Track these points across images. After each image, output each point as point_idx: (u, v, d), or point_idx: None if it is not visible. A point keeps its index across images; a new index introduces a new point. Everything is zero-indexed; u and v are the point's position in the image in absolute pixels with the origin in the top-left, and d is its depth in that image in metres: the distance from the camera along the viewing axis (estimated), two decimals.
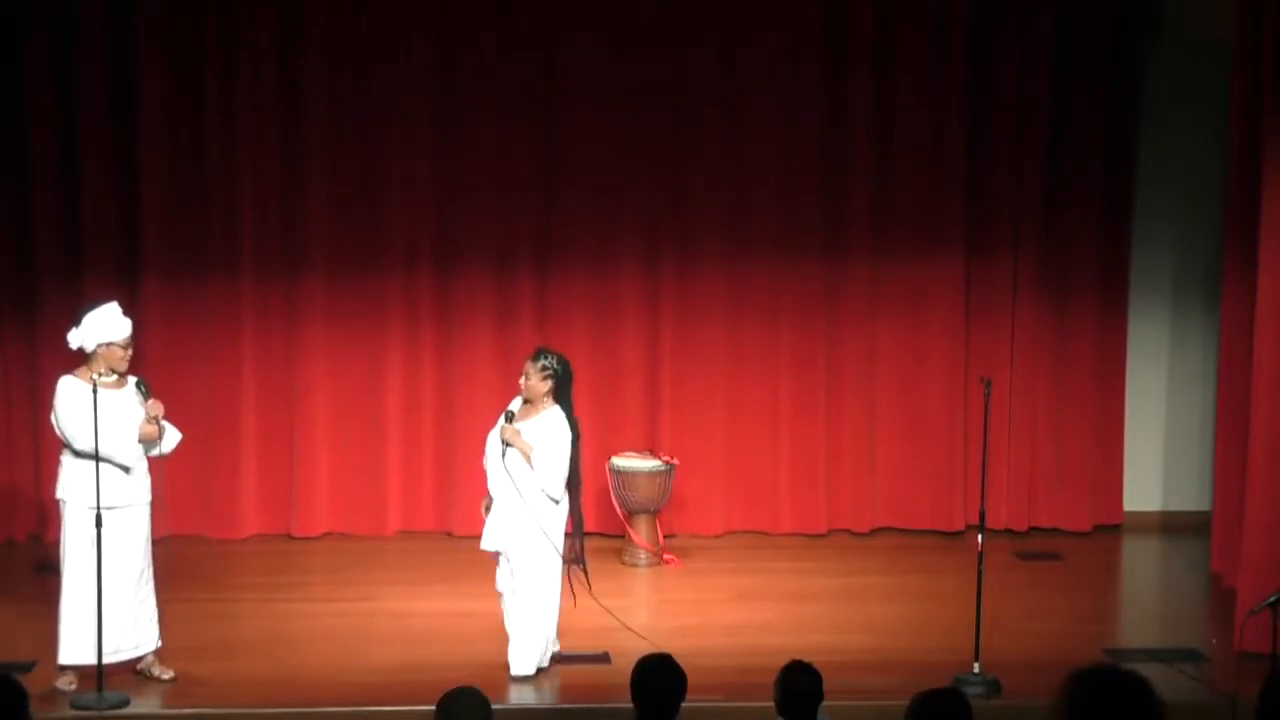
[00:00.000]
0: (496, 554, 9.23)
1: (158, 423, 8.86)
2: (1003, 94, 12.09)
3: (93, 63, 11.59)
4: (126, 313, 8.74)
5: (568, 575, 9.17)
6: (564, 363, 9.12)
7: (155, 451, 8.95)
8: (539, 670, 9.15)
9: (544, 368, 9.05)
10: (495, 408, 11.95)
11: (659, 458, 11.62)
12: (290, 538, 12.05)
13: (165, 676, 8.99)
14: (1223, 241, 11.10)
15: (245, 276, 11.85)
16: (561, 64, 11.93)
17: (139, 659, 8.99)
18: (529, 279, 12.05)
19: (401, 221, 11.96)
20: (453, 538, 12.05)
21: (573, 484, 9.13)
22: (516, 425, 9.04)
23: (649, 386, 12.11)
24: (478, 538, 11.96)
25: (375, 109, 11.86)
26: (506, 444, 9.03)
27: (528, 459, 8.97)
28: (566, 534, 9.17)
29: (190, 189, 11.79)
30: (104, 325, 8.81)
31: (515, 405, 9.16)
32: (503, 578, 9.24)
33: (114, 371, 8.83)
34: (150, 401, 8.87)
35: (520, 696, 8.97)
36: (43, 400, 11.68)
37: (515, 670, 9.09)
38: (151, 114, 11.66)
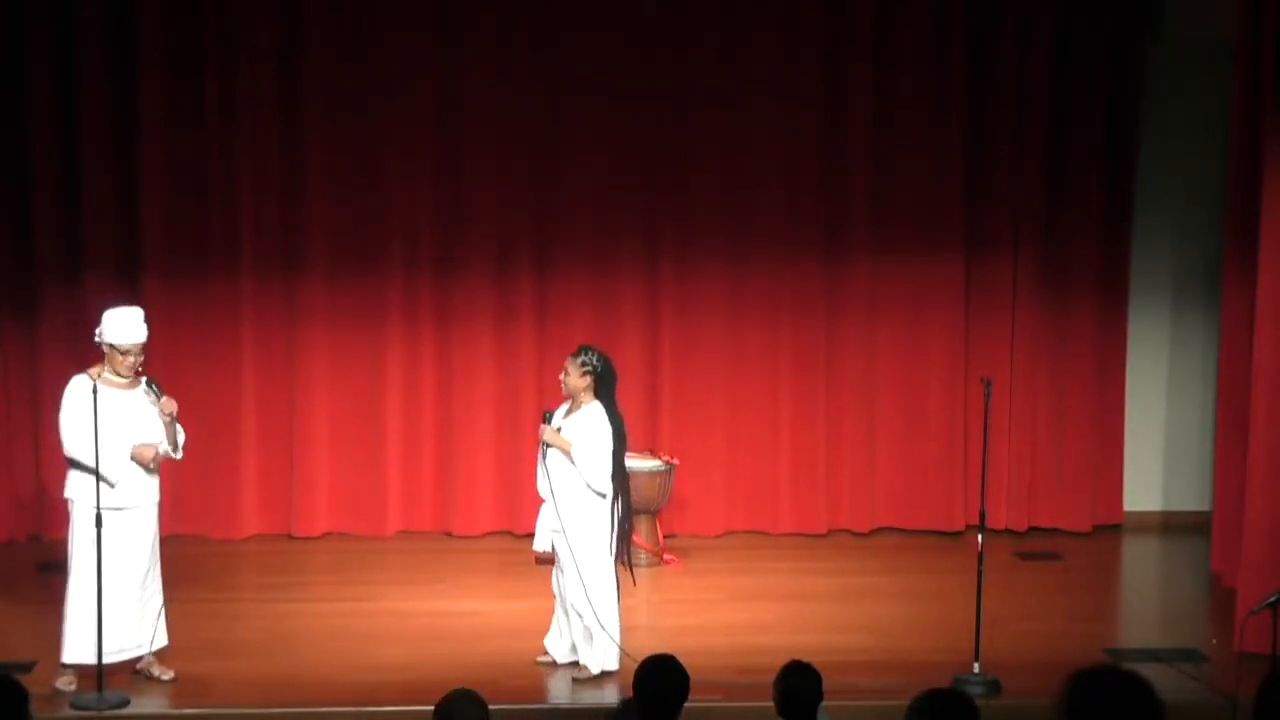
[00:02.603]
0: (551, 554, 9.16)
1: (174, 422, 8.84)
2: (1003, 94, 12.10)
3: (93, 63, 11.60)
4: None
5: (618, 568, 9.11)
6: (605, 360, 9.06)
7: (172, 454, 8.95)
8: (604, 672, 9.07)
9: (583, 364, 9.00)
10: (496, 408, 12.04)
11: (659, 458, 11.61)
12: (290, 538, 12.05)
13: (165, 677, 8.99)
14: (1223, 241, 11.10)
15: (245, 276, 11.85)
16: (561, 64, 11.93)
17: (139, 659, 8.98)
18: (529, 279, 12.05)
19: (401, 221, 11.97)
20: (452, 538, 12.06)
21: (618, 480, 9.05)
22: (558, 424, 9.01)
23: (649, 386, 12.11)
24: (477, 538, 12.06)
25: (375, 109, 11.87)
26: (547, 445, 8.99)
27: (569, 456, 8.94)
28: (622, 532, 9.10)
29: (190, 189, 11.79)
30: (114, 328, 8.80)
31: (561, 409, 9.13)
32: (556, 578, 9.21)
33: (119, 376, 8.81)
34: (163, 400, 8.84)
35: (537, 695, 8.98)
36: (43, 400, 11.71)
37: (585, 663, 9.04)
38: (151, 114, 11.67)
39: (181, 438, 8.98)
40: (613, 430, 8.97)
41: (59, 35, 11.59)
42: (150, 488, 8.89)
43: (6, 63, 11.60)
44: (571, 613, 9.07)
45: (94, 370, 8.82)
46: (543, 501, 9.10)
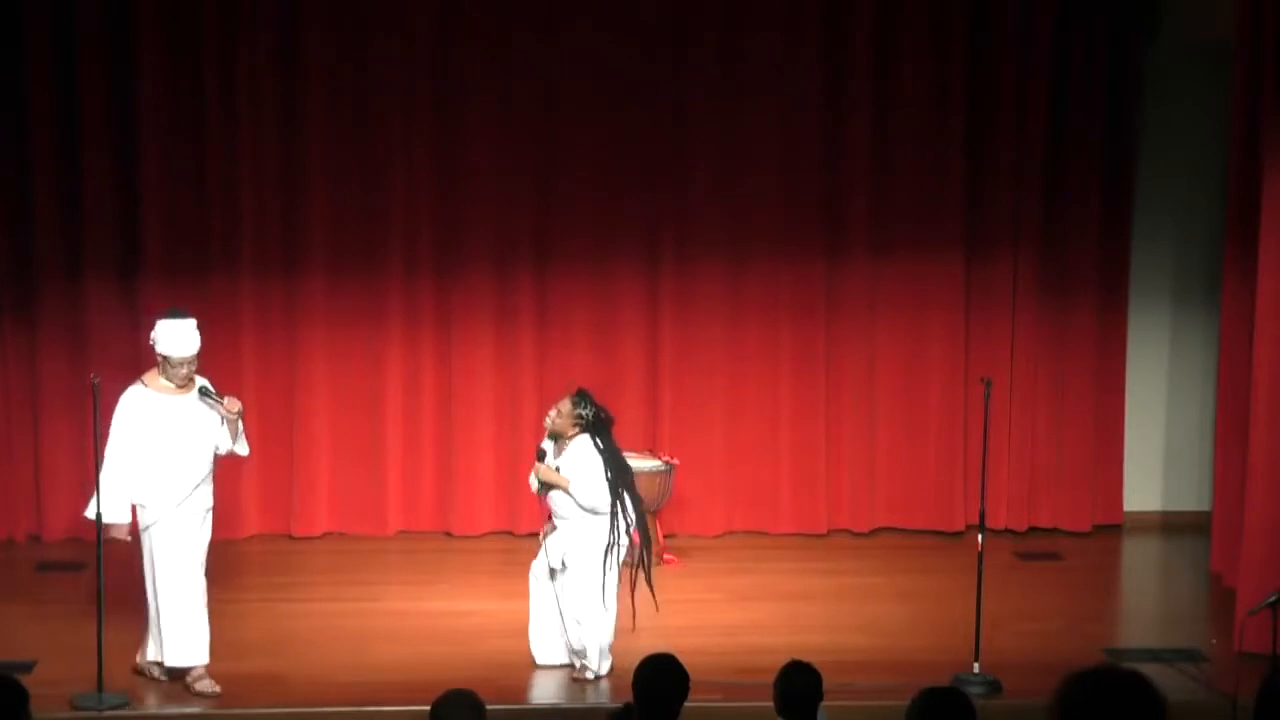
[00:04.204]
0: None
1: (239, 420, 8.86)
2: (1003, 94, 12.09)
3: (93, 63, 11.59)
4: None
5: (632, 584, 9.17)
6: (598, 414, 9.14)
7: (237, 451, 8.95)
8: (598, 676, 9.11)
9: (579, 415, 9.09)
10: (495, 409, 12.03)
11: (659, 458, 11.62)
12: (290, 538, 12.05)
13: (165, 678, 8.98)
14: (1223, 241, 11.10)
15: (245, 276, 11.84)
16: (561, 67, 11.91)
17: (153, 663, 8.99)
18: (529, 279, 12.05)
19: (401, 221, 11.96)
20: (452, 538, 12.06)
21: (629, 493, 9.11)
22: (554, 464, 9.11)
23: (649, 386, 12.11)
24: (477, 538, 12.06)
25: (375, 109, 11.86)
26: (545, 485, 9.08)
27: (568, 492, 9.03)
28: (633, 544, 9.18)
29: (190, 189, 11.79)
30: (166, 339, 8.81)
31: (547, 444, 9.20)
32: (534, 573, 9.23)
33: (175, 385, 8.82)
34: (227, 401, 8.86)
35: (537, 695, 8.99)
36: (42, 400, 11.73)
37: (595, 670, 9.08)
38: (151, 114, 11.66)
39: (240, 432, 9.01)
40: (605, 459, 9.04)
41: (59, 35, 11.57)
42: (200, 494, 8.88)
43: (7, 63, 11.60)
44: (570, 621, 9.10)
45: (149, 376, 8.84)
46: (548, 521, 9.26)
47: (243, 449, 9.05)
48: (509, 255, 12.03)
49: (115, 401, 9.44)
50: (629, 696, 6.21)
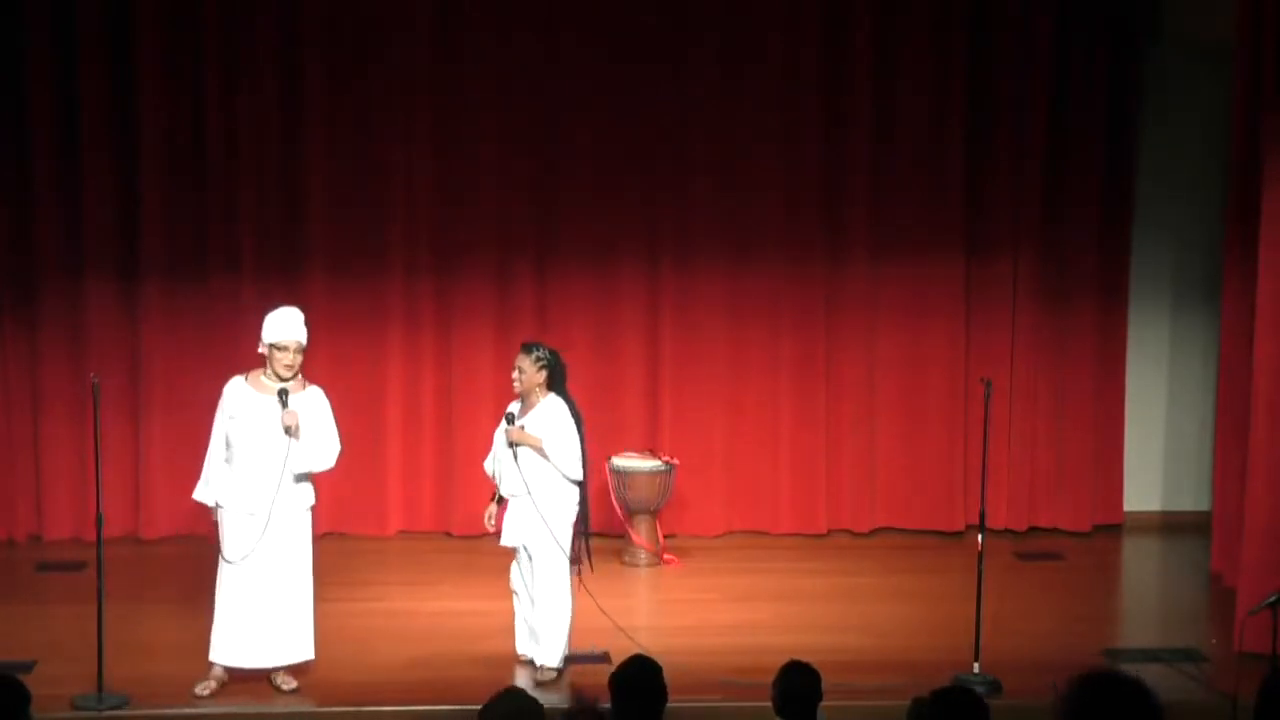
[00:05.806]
0: (514, 550, 9.20)
1: (294, 433, 8.61)
2: (1003, 94, 12.10)
3: (93, 63, 11.59)
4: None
5: (576, 572, 9.15)
6: (555, 353, 9.14)
7: (304, 465, 8.75)
8: (565, 664, 9.10)
9: (538, 358, 9.06)
10: (495, 408, 11.98)
11: (659, 458, 11.62)
12: None
13: (287, 687, 8.87)
14: (1223, 241, 11.10)
15: (245, 277, 11.84)
16: (562, 67, 11.92)
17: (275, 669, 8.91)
18: (529, 280, 12.05)
19: (401, 222, 11.96)
20: (452, 538, 12.07)
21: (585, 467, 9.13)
22: (519, 423, 9.04)
23: (649, 387, 12.11)
24: (477, 538, 12.04)
25: (375, 110, 11.87)
26: (515, 445, 9.01)
27: (540, 452, 8.97)
28: (575, 531, 9.14)
29: (190, 189, 11.79)
30: (271, 325, 8.70)
31: (514, 407, 9.16)
32: (516, 575, 9.23)
33: (279, 377, 8.68)
34: (284, 412, 8.64)
35: (538, 694, 8.94)
36: (43, 400, 11.72)
37: (544, 662, 9.05)
38: (151, 114, 11.66)
39: (315, 451, 8.73)
40: (575, 421, 9.02)
41: (59, 35, 11.58)
42: (282, 495, 8.67)
43: (7, 63, 11.60)
44: (543, 606, 9.06)
45: (252, 373, 8.75)
46: (504, 500, 9.18)
47: (303, 464, 8.69)
48: (509, 256, 12.03)
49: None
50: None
